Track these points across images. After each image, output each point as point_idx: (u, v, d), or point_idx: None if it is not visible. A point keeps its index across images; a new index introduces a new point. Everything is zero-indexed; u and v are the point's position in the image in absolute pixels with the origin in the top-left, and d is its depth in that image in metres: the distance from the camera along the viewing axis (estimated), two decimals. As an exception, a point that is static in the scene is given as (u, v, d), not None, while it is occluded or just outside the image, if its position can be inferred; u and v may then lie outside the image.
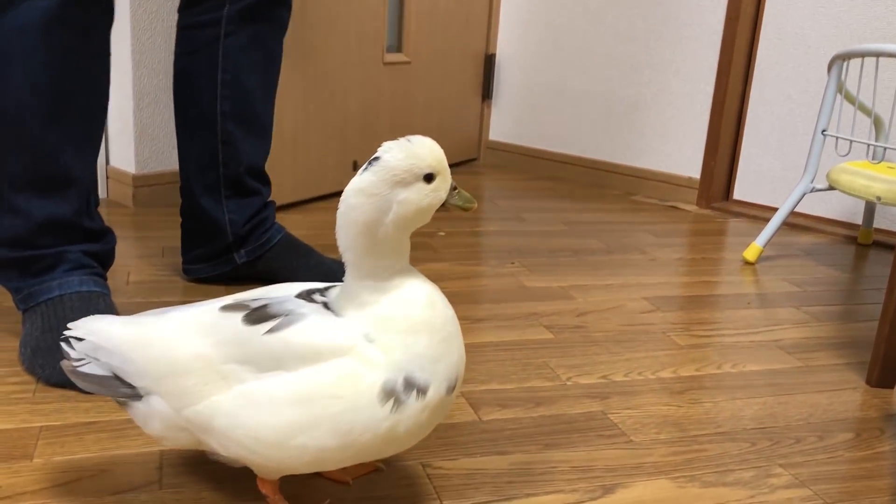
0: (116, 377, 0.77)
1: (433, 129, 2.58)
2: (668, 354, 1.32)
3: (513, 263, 1.74)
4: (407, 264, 0.75)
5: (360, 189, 0.70)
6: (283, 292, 0.77)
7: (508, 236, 1.94)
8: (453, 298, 1.57)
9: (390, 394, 0.70)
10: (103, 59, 1.20)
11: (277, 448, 0.71)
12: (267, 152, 1.46)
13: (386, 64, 2.32)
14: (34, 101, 1.10)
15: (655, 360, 1.29)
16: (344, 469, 0.87)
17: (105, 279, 1.25)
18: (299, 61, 2.07)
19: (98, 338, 0.78)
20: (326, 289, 0.78)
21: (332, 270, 1.44)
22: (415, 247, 1.80)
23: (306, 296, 0.75)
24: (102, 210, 1.28)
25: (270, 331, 0.72)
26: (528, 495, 0.91)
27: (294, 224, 1.92)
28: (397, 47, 2.40)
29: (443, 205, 0.74)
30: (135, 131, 1.94)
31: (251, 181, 1.43)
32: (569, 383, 1.19)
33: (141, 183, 1.97)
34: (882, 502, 0.94)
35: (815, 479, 0.98)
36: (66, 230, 1.18)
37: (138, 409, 0.77)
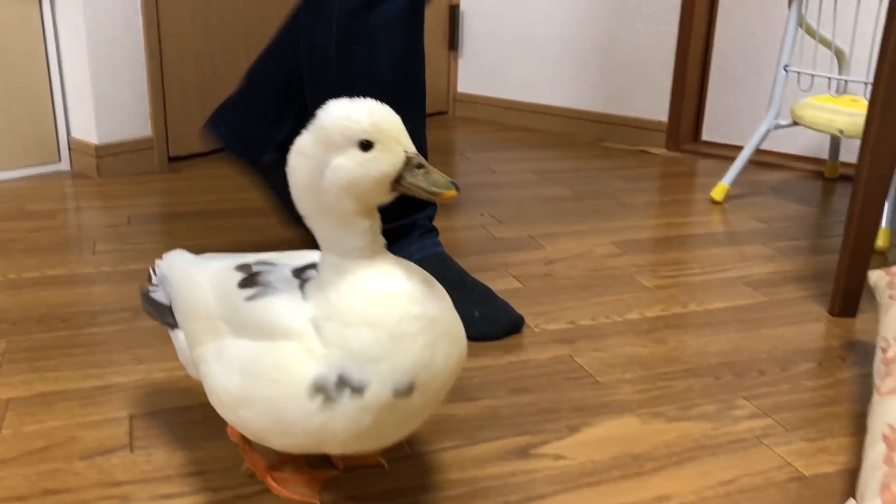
0: (170, 307, 0.83)
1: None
2: (635, 296, 1.33)
3: (482, 215, 1.74)
4: (379, 248, 0.68)
5: (297, 149, 0.66)
6: (291, 261, 0.75)
7: (479, 189, 1.94)
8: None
9: (320, 389, 0.65)
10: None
11: (229, 411, 0.72)
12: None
13: None
14: (393, 89, 1.17)
15: (622, 302, 1.31)
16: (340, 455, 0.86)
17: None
18: (202, 17, 2.06)
19: (167, 269, 0.84)
20: (312, 264, 0.75)
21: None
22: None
23: (299, 271, 0.73)
24: (63, 182, 1.27)
25: (249, 298, 0.71)
26: (496, 438, 0.92)
27: (201, 175, 1.97)
28: None
29: (400, 183, 0.65)
30: (94, 101, 1.91)
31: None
32: (537, 330, 1.20)
33: (104, 153, 1.95)
34: (841, 426, 0.97)
35: (777, 408, 1.01)
36: (416, 200, 1.23)
37: (175, 337, 0.83)
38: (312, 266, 0.73)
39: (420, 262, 1.17)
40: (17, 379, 1.02)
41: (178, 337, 0.82)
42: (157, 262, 0.88)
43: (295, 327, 0.67)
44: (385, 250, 0.69)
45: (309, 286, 0.70)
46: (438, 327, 0.68)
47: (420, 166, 0.65)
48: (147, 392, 1.00)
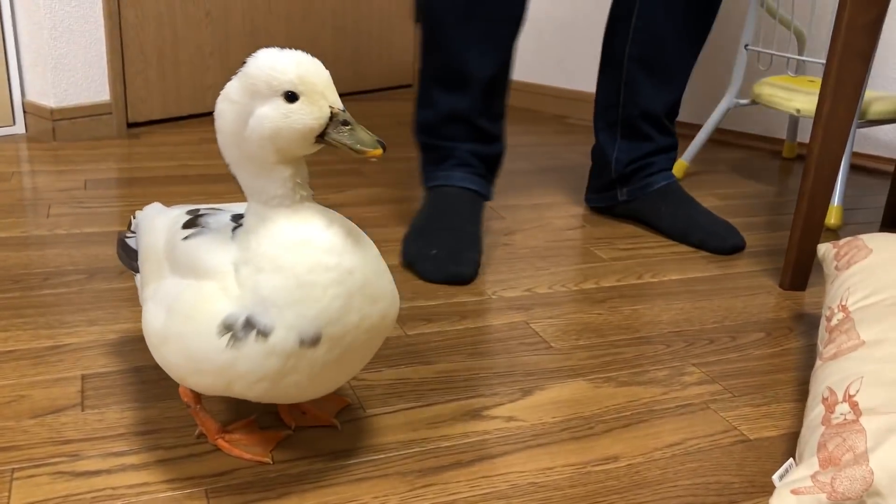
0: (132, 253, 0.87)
1: (347, 53, 2.56)
2: (592, 267, 1.35)
3: (444, 186, 1.74)
4: (303, 197, 0.68)
5: (224, 94, 0.66)
6: (235, 208, 0.78)
7: (441, 160, 1.94)
8: (383, 221, 1.57)
9: (228, 328, 0.66)
10: None
11: (154, 350, 0.74)
12: (671, 102, 1.48)
13: None
14: (450, 2, 1.28)
15: (579, 272, 1.33)
16: (288, 413, 0.87)
17: (488, 181, 1.42)
18: None
19: (140, 217, 0.87)
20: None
21: (696, 224, 1.44)
22: (345, 172, 1.80)
23: (238, 216, 0.74)
24: (17, 146, 1.24)
25: (185, 238, 0.74)
26: (450, 401, 0.93)
27: (160, 141, 1.96)
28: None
29: (324, 138, 0.65)
30: (50, 63, 1.87)
31: (644, 125, 1.47)
32: (493, 297, 1.21)
33: (59, 116, 1.91)
34: (786, 392, 1.00)
35: (725, 375, 1.03)
36: (461, 125, 1.35)
37: (137, 281, 0.86)
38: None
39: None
40: (-34, 338, 1.01)
41: (137, 281, 0.85)
42: (137, 212, 0.90)
43: (215, 267, 0.69)
44: (310, 200, 0.70)
45: (238, 231, 0.72)
46: (354, 281, 0.68)
47: (346, 123, 0.65)
48: (99, 353, 0.99)
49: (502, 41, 1.32)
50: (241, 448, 0.81)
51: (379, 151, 0.65)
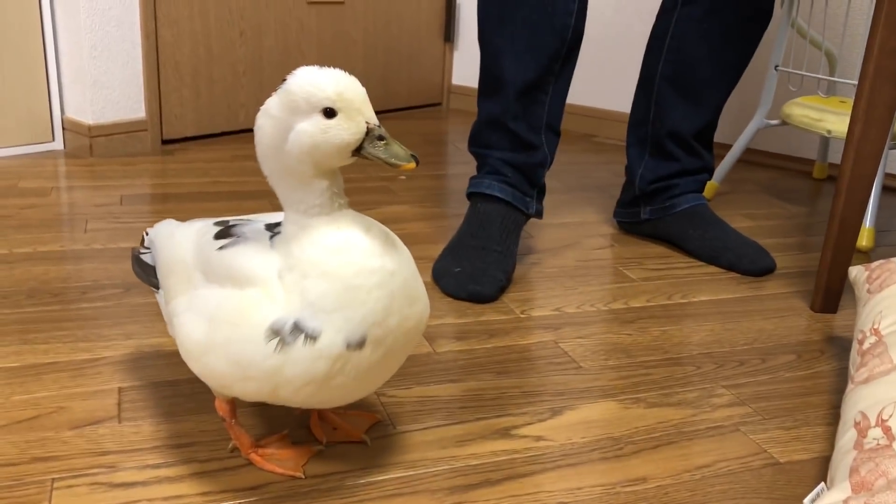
0: (154, 268, 0.87)
1: (377, 72, 2.59)
2: (621, 287, 1.35)
3: (473, 204, 1.75)
4: (341, 205, 0.71)
5: (264, 109, 0.69)
6: (267, 218, 0.79)
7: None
8: (411, 239, 1.58)
9: (276, 333, 0.68)
10: None
11: (194, 360, 0.75)
12: (701, 124, 1.48)
13: (311, 3, 2.33)
14: (489, 7, 1.33)
15: (608, 292, 1.33)
16: (320, 428, 0.89)
17: (522, 192, 1.40)
18: (198, 0, 2.08)
19: (154, 232, 0.88)
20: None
21: (726, 246, 1.45)
22: (375, 190, 1.82)
23: (273, 226, 0.76)
24: (56, 161, 1.28)
25: (221, 248, 0.75)
26: (479, 419, 0.94)
27: (193, 158, 1.99)
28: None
29: (360, 152, 0.67)
30: (89, 81, 1.92)
31: (671, 145, 1.49)
32: (522, 316, 1.22)
33: (97, 133, 1.95)
34: (817, 416, 0.99)
35: (755, 397, 1.03)
36: (497, 131, 1.38)
37: (158, 297, 0.87)
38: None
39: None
40: (8, 350, 1.03)
41: (159, 295, 0.86)
42: (148, 229, 0.91)
43: (258, 274, 0.71)
44: (347, 207, 0.72)
45: (276, 239, 0.74)
46: (395, 283, 0.70)
47: (381, 138, 0.67)
48: (136, 366, 1.01)
49: (540, 48, 1.31)
50: (274, 462, 0.83)
51: (412, 165, 0.68)
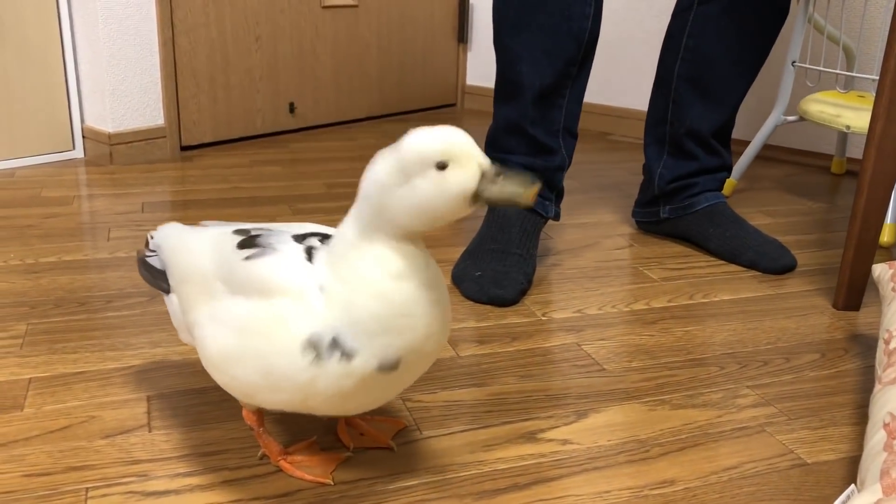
0: (164, 272, 0.86)
1: (392, 74, 2.59)
2: (642, 288, 1.35)
3: (491, 206, 1.76)
4: (411, 243, 0.69)
5: (376, 173, 0.68)
6: (290, 229, 0.79)
7: (486, 180, 1.96)
8: (432, 242, 1.59)
9: (313, 347, 0.68)
10: None
11: (221, 372, 0.76)
12: (719, 123, 1.49)
13: (325, 7, 2.34)
14: (505, 12, 1.33)
15: (629, 293, 1.33)
16: (347, 435, 0.89)
17: (539, 194, 1.31)
18: (214, 7, 2.10)
19: (161, 237, 0.88)
20: (325, 237, 0.77)
21: (746, 244, 1.44)
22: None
23: (301, 237, 0.76)
24: (77, 170, 1.29)
25: (247, 258, 0.75)
26: (504, 423, 0.94)
27: (212, 164, 2.01)
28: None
29: (482, 196, 0.65)
30: (108, 90, 1.93)
31: (690, 144, 1.49)
32: (544, 318, 1.22)
33: (117, 141, 1.97)
34: (843, 415, 0.99)
35: (780, 397, 1.02)
36: (515, 136, 1.38)
37: (169, 302, 0.86)
38: (313, 235, 0.76)
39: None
40: (38, 360, 1.04)
41: (172, 301, 0.85)
42: (152, 232, 0.91)
43: (294, 285, 0.71)
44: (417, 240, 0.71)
45: (319, 252, 0.73)
46: (440, 314, 0.71)
47: (497, 174, 0.65)
48: (164, 374, 1.02)
49: (557, 53, 1.31)
50: (303, 469, 0.83)
51: (536, 188, 0.65)
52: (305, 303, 0.70)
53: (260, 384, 0.72)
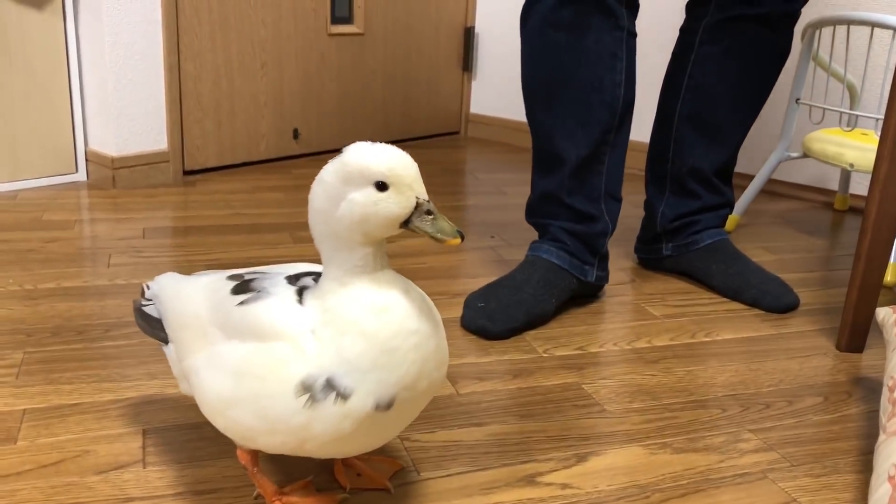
0: (160, 322, 0.86)
1: (397, 102, 2.60)
2: (644, 325, 1.34)
3: (492, 237, 1.75)
4: (383, 268, 0.71)
5: (319, 178, 0.71)
6: (284, 270, 0.79)
7: (489, 210, 1.96)
8: (429, 273, 1.58)
9: (307, 389, 0.68)
10: (597, 55, 1.28)
11: (218, 415, 0.75)
12: (721, 161, 1.49)
13: (331, 35, 2.36)
14: (535, 87, 1.34)
15: (631, 330, 1.32)
16: (344, 475, 0.88)
17: (581, 259, 1.37)
18: (220, 33, 2.11)
19: (157, 287, 0.87)
20: (318, 275, 0.77)
21: (748, 282, 1.44)
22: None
23: (293, 279, 0.77)
24: (79, 193, 1.29)
25: (242, 303, 0.75)
26: (504, 465, 0.93)
27: (214, 189, 2.02)
28: (348, 19, 2.42)
29: (408, 225, 0.69)
30: (112, 113, 1.94)
31: (692, 183, 1.49)
32: (545, 355, 1.21)
33: (120, 165, 1.97)
34: (846, 463, 0.97)
35: (783, 442, 1.01)
36: (554, 205, 1.38)
37: (167, 352, 0.86)
38: (307, 274, 0.77)
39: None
40: (33, 390, 1.03)
41: (170, 351, 0.85)
42: (148, 282, 0.91)
43: (288, 329, 0.71)
44: (388, 267, 0.72)
45: (308, 293, 0.73)
46: (430, 346, 0.72)
47: (429, 213, 0.69)
48: (160, 407, 1.01)
49: (592, 124, 1.30)
50: None
51: (458, 241, 0.69)
52: (298, 346, 0.70)
53: (257, 427, 0.72)
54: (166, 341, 0.85)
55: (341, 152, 0.70)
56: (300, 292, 0.74)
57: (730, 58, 1.40)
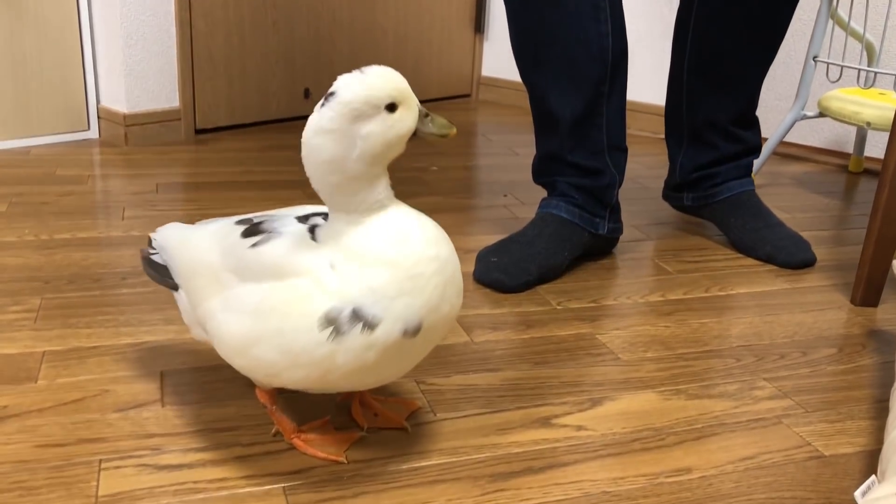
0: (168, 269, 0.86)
1: (408, 62, 2.58)
2: (658, 280, 1.34)
3: (505, 196, 1.75)
4: (389, 196, 0.73)
5: (319, 128, 0.69)
6: (292, 212, 0.79)
7: (502, 170, 1.95)
8: (445, 230, 1.59)
9: (332, 321, 0.69)
10: (578, 8, 1.26)
11: (240, 356, 0.75)
12: (737, 110, 1.47)
13: None
14: (523, 50, 1.33)
15: (644, 285, 1.32)
16: (361, 415, 0.89)
17: (590, 212, 1.36)
18: None
19: (162, 236, 0.87)
20: (325, 215, 0.78)
21: (763, 238, 1.44)
22: (407, 181, 1.82)
23: (304, 218, 0.77)
24: (91, 150, 1.29)
25: (254, 245, 0.75)
26: (519, 408, 0.94)
27: (226, 147, 2.01)
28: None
29: (415, 134, 0.71)
30: (124, 70, 1.93)
31: (708, 133, 1.49)
32: (559, 308, 1.21)
33: (132, 122, 1.97)
34: (861, 410, 0.98)
35: (797, 390, 1.01)
36: (557, 163, 1.37)
37: (178, 299, 0.86)
38: (316, 214, 0.77)
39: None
40: (52, 334, 1.04)
41: (181, 298, 0.85)
42: (152, 234, 0.90)
43: (305, 265, 0.71)
44: (395, 199, 0.74)
45: (320, 231, 0.74)
46: (449, 271, 0.73)
47: (426, 115, 0.72)
48: (177, 351, 1.02)
49: (583, 79, 1.29)
50: (316, 447, 0.83)
51: (455, 130, 0.74)
52: (318, 280, 0.70)
53: (280, 362, 0.72)
54: (176, 288, 0.86)
55: (326, 97, 0.69)
56: (312, 230, 0.75)
57: (732, 9, 1.38)
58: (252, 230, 0.77)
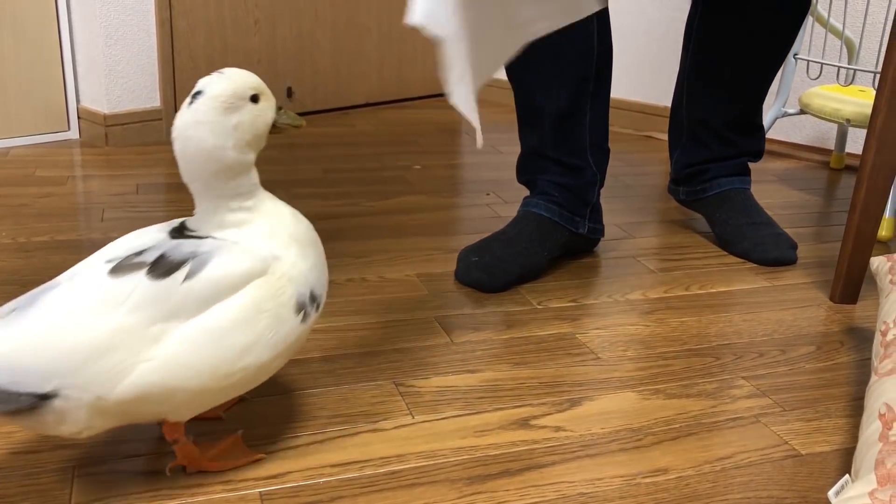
0: (8, 391, 0.66)
1: (392, 60, 2.58)
2: (638, 278, 1.34)
3: (488, 194, 1.75)
4: (258, 184, 0.78)
5: (195, 121, 0.72)
6: (146, 239, 0.75)
7: (484, 168, 1.95)
8: (426, 230, 1.58)
9: (302, 306, 0.76)
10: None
11: (226, 377, 0.71)
12: (732, 114, 1.48)
13: None
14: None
15: (625, 283, 1.32)
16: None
17: (570, 210, 1.36)
18: None
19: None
20: (182, 224, 0.77)
21: (742, 234, 1.45)
22: (389, 180, 1.82)
23: (180, 234, 0.75)
24: (71, 150, 1.28)
25: (187, 277, 0.70)
26: (498, 409, 0.94)
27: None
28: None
29: (274, 126, 0.78)
30: (104, 70, 1.92)
31: (703, 134, 1.51)
32: (539, 307, 1.21)
33: (113, 122, 1.95)
34: (838, 408, 0.98)
35: (775, 389, 1.02)
36: (540, 160, 1.37)
37: (46, 415, 0.68)
38: (181, 227, 0.77)
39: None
40: None
41: (66, 401, 0.67)
42: None
43: (262, 265, 0.75)
44: (260, 186, 0.79)
45: (226, 234, 0.76)
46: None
47: (280, 108, 0.79)
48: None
49: (568, 76, 1.30)
50: (230, 458, 0.81)
51: (303, 121, 0.81)
52: (278, 272, 0.75)
53: (267, 359, 0.75)
54: (40, 403, 0.66)
55: (194, 96, 0.73)
56: (180, 231, 0.76)
57: (733, 14, 1.39)
58: (163, 267, 0.70)
